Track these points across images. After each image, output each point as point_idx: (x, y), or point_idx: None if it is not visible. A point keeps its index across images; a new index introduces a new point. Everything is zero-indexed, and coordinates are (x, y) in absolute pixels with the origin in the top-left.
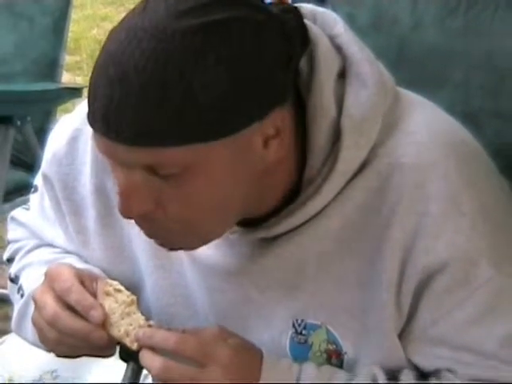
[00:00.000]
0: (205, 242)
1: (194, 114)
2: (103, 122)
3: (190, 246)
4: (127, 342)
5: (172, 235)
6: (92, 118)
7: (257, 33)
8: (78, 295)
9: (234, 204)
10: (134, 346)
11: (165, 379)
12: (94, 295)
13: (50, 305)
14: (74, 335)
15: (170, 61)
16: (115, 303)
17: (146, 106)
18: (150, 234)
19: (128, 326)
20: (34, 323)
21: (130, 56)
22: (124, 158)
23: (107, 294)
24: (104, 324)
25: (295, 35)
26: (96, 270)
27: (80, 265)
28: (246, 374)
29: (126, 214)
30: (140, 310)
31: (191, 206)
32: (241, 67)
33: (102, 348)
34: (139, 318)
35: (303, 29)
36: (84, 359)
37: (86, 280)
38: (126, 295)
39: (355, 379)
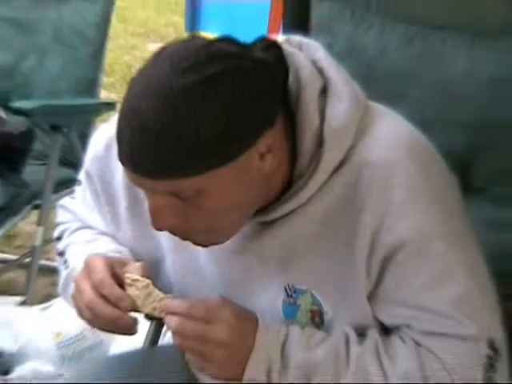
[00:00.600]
0: (227, 239)
1: (202, 150)
2: (130, 161)
3: (214, 243)
4: (156, 314)
5: (198, 237)
6: (121, 157)
7: (245, 78)
8: (109, 288)
9: (244, 208)
10: (162, 315)
11: (180, 333)
12: (121, 285)
13: (87, 292)
14: (105, 319)
15: (177, 112)
16: (136, 290)
17: (163, 149)
18: (179, 236)
19: (152, 303)
20: (73, 301)
21: (145, 109)
22: (149, 188)
23: (128, 284)
24: (134, 309)
25: (277, 69)
26: (125, 251)
27: (113, 245)
28: (244, 333)
29: (157, 228)
30: (156, 287)
31: (210, 218)
32: (235, 108)
33: (127, 330)
34: (158, 294)
35: (283, 60)
36: None
37: (116, 267)
38: (142, 281)
39: (331, 337)
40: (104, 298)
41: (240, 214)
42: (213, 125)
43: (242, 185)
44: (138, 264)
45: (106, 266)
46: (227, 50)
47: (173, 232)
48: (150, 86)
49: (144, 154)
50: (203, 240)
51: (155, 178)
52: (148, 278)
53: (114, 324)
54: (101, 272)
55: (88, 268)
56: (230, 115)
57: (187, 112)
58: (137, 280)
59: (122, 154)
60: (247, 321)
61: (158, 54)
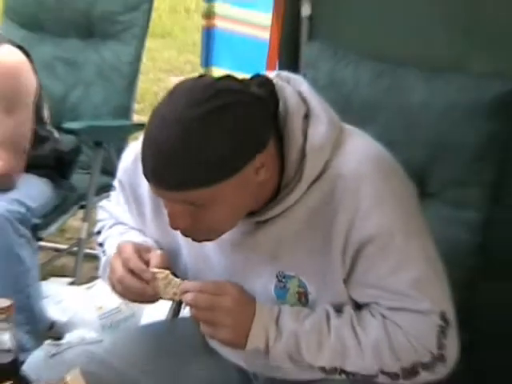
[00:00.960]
0: (219, 236)
1: (210, 168)
2: (153, 178)
3: (208, 240)
4: (176, 298)
5: (198, 235)
6: (145, 174)
7: (244, 110)
8: (134, 263)
9: (242, 211)
10: (181, 298)
11: (194, 305)
12: (147, 262)
13: (118, 269)
14: (133, 290)
15: (189, 139)
16: (158, 281)
17: (179, 168)
18: (190, 235)
19: (172, 289)
20: (109, 280)
21: (163, 137)
22: (168, 198)
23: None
24: (156, 293)
25: (269, 102)
26: (150, 242)
27: (140, 237)
28: (246, 306)
29: (174, 228)
30: (175, 275)
31: (214, 220)
32: (236, 135)
33: (149, 299)
34: (176, 281)
35: (275, 94)
36: None
37: (142, 251)
38: (161, 273)
39: (315, 313)
40: (131, 272)
41: (237, 217)
42: (218, 148)
43: (241, 193)
44: (158, 251)
45: (134, 248)
46: (229, 86)
47: (184, 232)
48: (166, 118)
49: (163, 173)
50: (201, 237)
51: (172, 190)
52: (167, 268)
53: (140, 293)
54: (129, 252)
55: (119, 250)
56: (231, 140)
57: (198, 139)
58: (157, 272)
59: (146, 172)
60: (248, 298)
61: (173, 91)
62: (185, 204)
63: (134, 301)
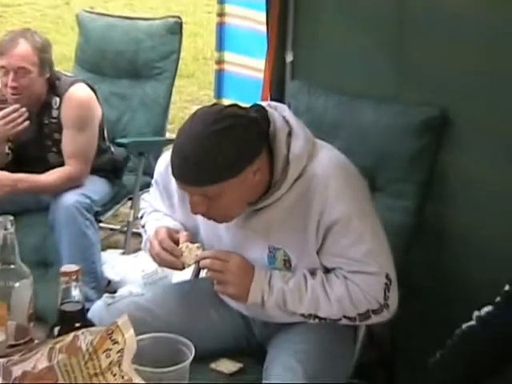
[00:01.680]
0: (232, 219)
1: (220, 170)
2: (178, 177)
3: (225, 221)
4: (198, 258)
5: (216, 218)
6: (173, 174)
7: (245, 129)
8: (167, 244)
9: (243, 202)
10: (201, 263)
11: (210, 268)
12: (176, 241)
13: (156, 247)
14: (166, 262)
15: (205, 149)
16: (185, 252)
17: (197, 170)
18: (205, 217)
19: (193, 254)
20: (149, 253)
21: (186, 147)
22: (189, 191)
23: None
24: (183, 263)
25: (263, 123)
26: (178, 224)
27: (171, 222)
28: (247, 270)
29: (194, 213)
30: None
31: (224, 208)
32: (240, 146)
33: (178, 268)
34: (195, 245)
35: (267, 117)
36: None
37: (172, 233)
38: (185, 246)
39: (296, 276)
40: (165, 249)
41: (240, 206)
42: (226, 156)
43: (242, 189)
44: (184, 232)
45: (166, 231)
46: (234, 112)
47: (202, 215)
48: (189, 134)
49: (186, 174)
50: (219, 219)
51: (192, 186)
52: (191, 243)
53: (171, 264)
54: (163, 235)
55: (156, 233)
56: (236, 150)
57: (211, 149)
58: (183, 247)
59: (174, 173)
60: (248, 264)
61: (194, 114)
62: (201, 196)
63: (167, 267)
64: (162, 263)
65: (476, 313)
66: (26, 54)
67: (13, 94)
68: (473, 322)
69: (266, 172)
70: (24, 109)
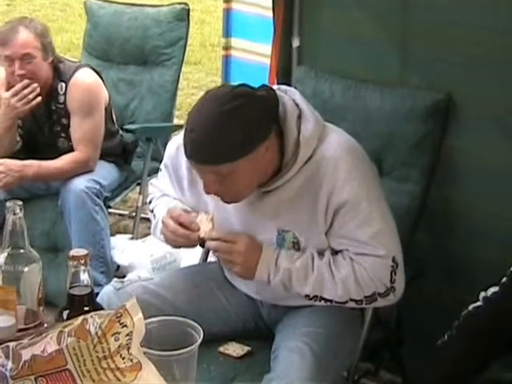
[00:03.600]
0: (242, 199)
1: (233, 148)
2: (192, 156)
3: (234, 201)
4: (213, 228)
5: (227, 198)
6: (186, 152)
7: (254, 107)
8: (184, 218)
9: (254, 181)
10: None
11: (217, 250)
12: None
13: (171, 224)
14: (183, 237)
15: (217, 128)
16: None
17: (210, 148)
18: (219, 199)
19: (208, 224)
20: (163, 234)
21: (199, 126)
22: (203, 170)
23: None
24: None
25: (274, 104)
26: (189, 208)
27: (180, 204)
28: (254, 251)
29: (207, 192)
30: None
31: (236, 187)
32: (251, 124)
33: (194, 243)
34: (205, 215)
35: (277, 99)
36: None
37: (186, 212)
38: (197, 218)
39: (304, 255)
40: (181, 224)
41: (251, 185)
42: (237, 134)
43: (253, 169)
44: (194, 213)
45: (181, 208)
46: (244, 91)
47: (216, 194)
48: (201, 114)
49: (199, 152)
50: (229, 199)
51: (206, 164)
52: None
53: (188, 240)
54: (179, 211)
55: (170, 212)
56: (246, 128)
57: (223, 127)
58: (200, 218)
59: (187, 152)
60: (255, 244)
61: (205, 95)
62: (214, 175)
63: (181, 246)
64: (177, 241)
65: (482, 293)
66: (28, 40)
67: (21, 82)
68: (479, 303)
69: (276, 153)
70: (36, 84)
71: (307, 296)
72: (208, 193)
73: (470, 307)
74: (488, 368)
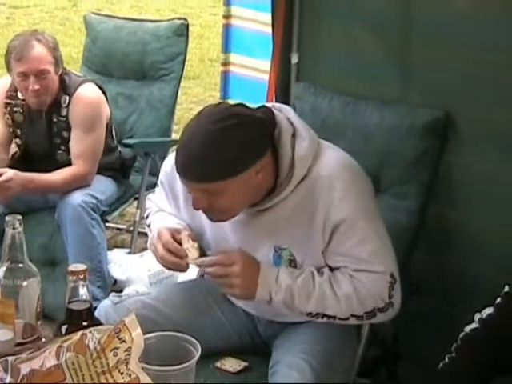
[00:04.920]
0: (231, 218)
1: (224, 167)
2: (182, 172)
3: (222, 220)
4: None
5: (214, 216)
6: (177, 170)
7: (249, 128)
8: (171, 245)
9: (244, 202)
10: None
11: (213, 276)
12: (180, 242)
13: (160, 249)
14: (171, 264)
15: (210, 145)
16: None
17: (202, 167)
18: (207, 215)
19: (196, 252)
20: (154, 255)
21: (191, 143)
22: (192, 187)
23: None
24: (187, 264)
25: (270, 124)
26: (184, 224)
27: (176, 221)
28: (251, 272)
29: (196, 208)
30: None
31: (225, 205)
32: (245, 144)
33: (183, 269)
34: (192, 243)
35: (273, 119)
36: None
37: (175, 233)
38: (191, 244)
39: (304, 273)
40: (169, 251)
41: (240, 205)
42: (229, 154)
43: (243, 188)
44: (186, 232)
45: (169, 232)
46: (240, 111)
47: (203, 211)
48: (195, 130)
49: (189, 169)
50: (216, 217)
51: (195, 182)
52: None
53: (176, 266)
54: (167, 237)
55: (159, 235)
56: (239, 149)
57: (215, 146)
58: (187, 247)
59: (178, 168)
60: (253, 261)
61: (201, 112)
62: (203, 192)
63: (172, 270)
64: (166, 266)
65: (477, 315)
66: (43, 56)
67: (35, 97)
68: (475, 325)
69: (270, 173)
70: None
71: (310, 314)
72: (196, 209)
73: (467, 329)
74: None
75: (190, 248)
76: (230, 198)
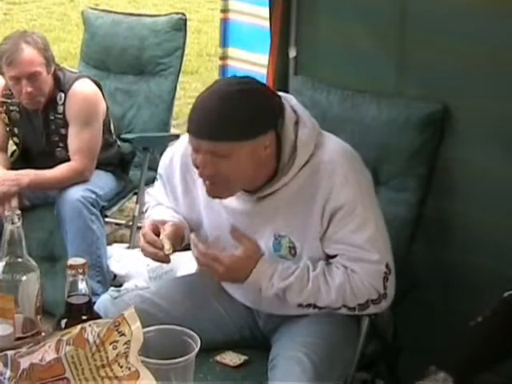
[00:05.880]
0: (231, 195)
1: (236, 128)
2: (196, 130)
3: (224, 196)
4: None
5: (218, 188)
6: (190, 129)
7: (265, 96)
8: (149, 236)
9: (246, 174)
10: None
11: (203, 264)
12: (158, 234)
13: (141, 241)
14: (150, 254)
15: (229, 103)
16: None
17: (218, 122)
18: (208, 188)
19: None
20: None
21: (207, 102)
22: (202, 147)
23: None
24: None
25: (280, 104)
26: (181, 217)
27: (173, 214)
28: (243, 265)
29: (201, 176)
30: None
31: (230, 173)
32: (262, 109)
33: (163, 259)
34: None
35: (281, 102)
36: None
37: (158, 224)
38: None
39: (299, 268)
40: (148, 242)
41: (243, 177)
42: (245, 114)
43: (250, 160)
44: (170, 223)
45: (150, 224)
46: (257, 81)
47: (206, 180)
48: (212, 92)
49: (204, 126)
50: (217, 191)
51: (207, 140)
52: (176, 231)
53: (155, 257)
54: (146, 229)
55: (142, 229)
56: (257, 112)
57: (235, 104)
58: (162, 238)
59: (191, 126)
60: (250, 257)
61: (216, 81)
62: (211, 155)
63: (155, 261)
64: (148, 256)
65: None
66: (33, 58)
67: (29, 99)
68: None
69: (273, 155)
70: None
71: (300, 305)
72: (201, 175)
73: (506, 294)
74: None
75: (165, 239)
76: (235, 165)
